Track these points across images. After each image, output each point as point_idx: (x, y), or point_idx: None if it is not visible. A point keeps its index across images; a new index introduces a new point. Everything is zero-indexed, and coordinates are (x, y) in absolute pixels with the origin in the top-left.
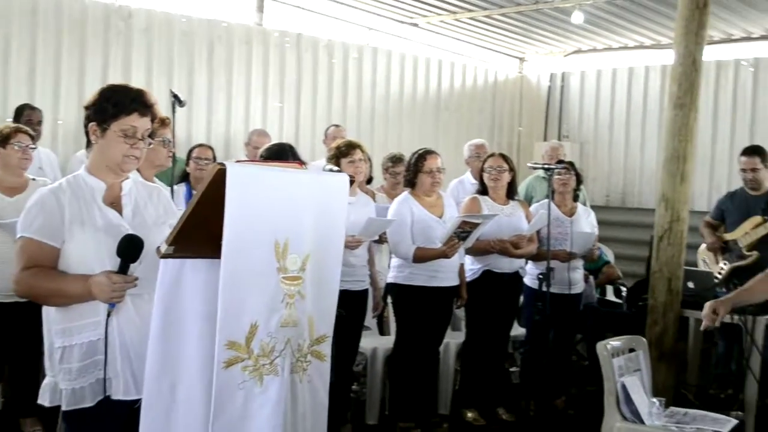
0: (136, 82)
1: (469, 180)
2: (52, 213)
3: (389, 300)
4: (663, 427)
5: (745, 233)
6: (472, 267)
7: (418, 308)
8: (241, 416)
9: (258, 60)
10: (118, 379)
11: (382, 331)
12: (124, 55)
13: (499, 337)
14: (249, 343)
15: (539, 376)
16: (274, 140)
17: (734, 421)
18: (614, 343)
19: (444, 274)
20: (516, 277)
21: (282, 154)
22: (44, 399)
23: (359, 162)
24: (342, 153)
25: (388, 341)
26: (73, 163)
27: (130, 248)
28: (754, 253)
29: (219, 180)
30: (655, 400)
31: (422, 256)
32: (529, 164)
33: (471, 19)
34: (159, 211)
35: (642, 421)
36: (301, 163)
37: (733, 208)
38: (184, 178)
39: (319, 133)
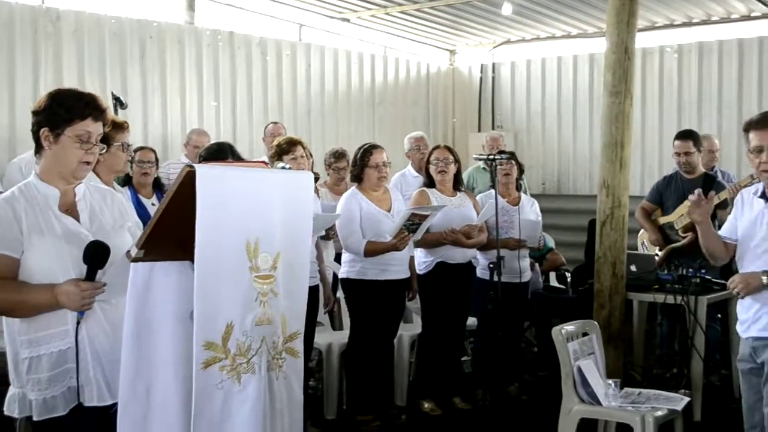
0: (69, 85)
1: (411, 173)
2: (8, 223)
3: (339, 295)
4: (620, 408)
5: (680, 216)
6: (426, 259)
7: (371, 302)
8: (221, 416)
9: (191, 59)
10: (91, 386)
11: (334, 326)
12: (55, 58)
13: (455, 327)
14: (226, 342)
15: (491, 364)
16: (213, 139)
17: (686, 399)
18: (568, 328)
19: (395, 267)
20: (469, 267)
21: (222, 153)
22: (12, 410)
23: (301, 159)
24: (283, 150)
25: (342, 336)
26: (11, 169)
27: (97, 255)
28: (690, 235)
29: (188, 182)
30: (610, 381)
31: (373, 250)
32: (474, 155)
33: (401, 12)
34: (115, 214)
35: (599, 403)
36: (266, 163)
37: (670, 192)
38: (127, 181)
39: (257, 130)
